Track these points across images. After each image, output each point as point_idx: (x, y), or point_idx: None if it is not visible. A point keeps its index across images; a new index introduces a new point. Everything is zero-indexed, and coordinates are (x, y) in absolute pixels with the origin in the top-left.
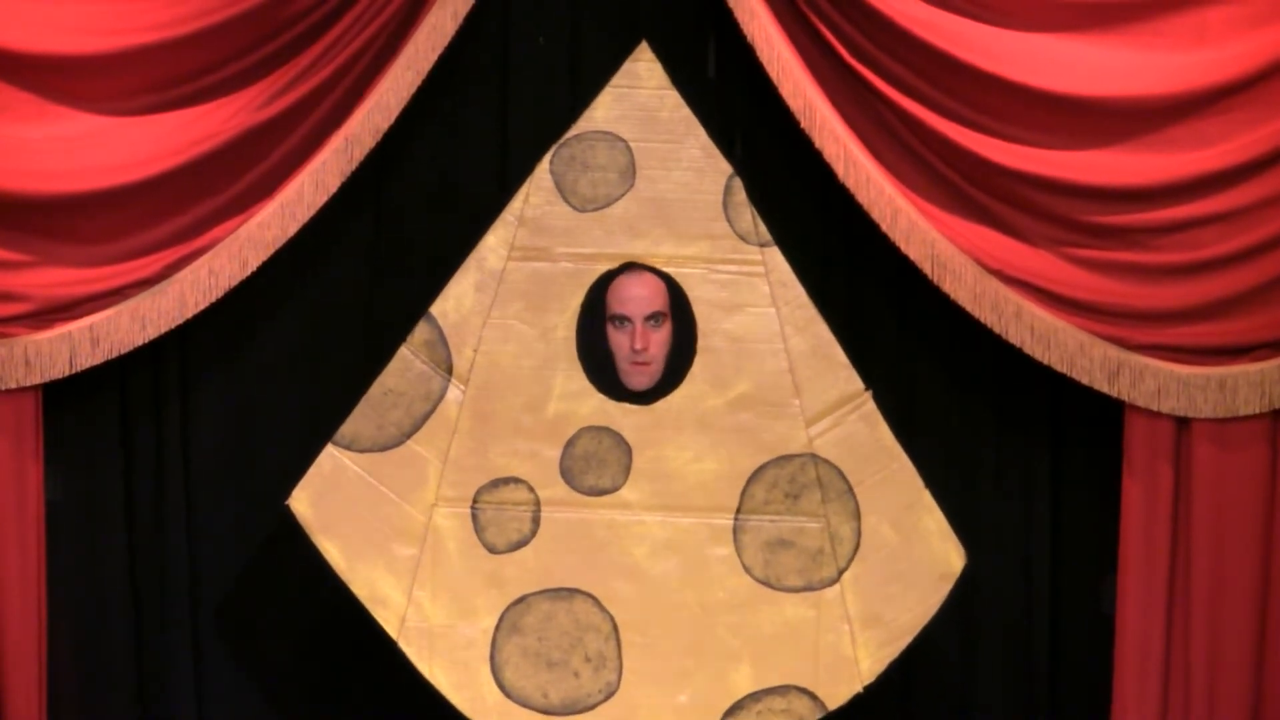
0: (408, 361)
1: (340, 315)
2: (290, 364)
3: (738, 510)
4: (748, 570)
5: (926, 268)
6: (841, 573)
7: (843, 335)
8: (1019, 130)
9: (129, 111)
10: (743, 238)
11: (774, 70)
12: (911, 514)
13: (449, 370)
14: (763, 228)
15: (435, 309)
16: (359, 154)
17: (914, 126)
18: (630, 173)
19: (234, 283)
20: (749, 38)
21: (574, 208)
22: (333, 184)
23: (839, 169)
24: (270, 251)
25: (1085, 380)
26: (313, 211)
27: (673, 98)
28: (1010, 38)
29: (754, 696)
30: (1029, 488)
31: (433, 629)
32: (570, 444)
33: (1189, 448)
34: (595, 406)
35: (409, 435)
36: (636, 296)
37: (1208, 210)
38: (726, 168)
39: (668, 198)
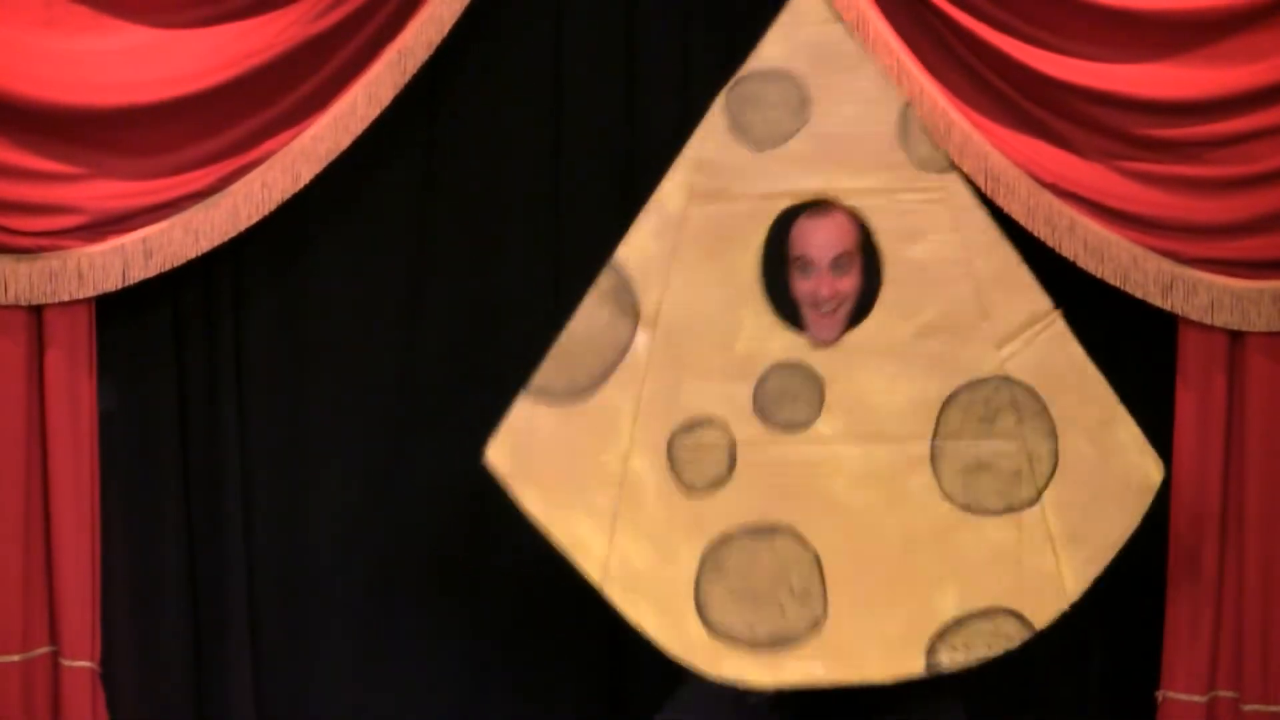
0: (594, 310)
1: (392, 231)
2: (341, 278)
3: (934, 437)
4: (948, 496)
5: (980, 181)
6: (1041, 492)
7: None
8: (1073, 44)
9: (182, 24)
10: (920, 166)
11: None
12: (1107, 429)
13: (636, 316)
14: (941, 153)
15: (618, 256)
16: (412, 67)
17: (968, 40)
18: (804, 109)
19: (286, 196)
20: None
21: (750, 148)
22: (386, 96)
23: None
24: (323, 165)
25: (1139, 294)
26: (365, 124)
27: (838, 30)
28: None
29: (960, 621)
30: None
31: (636, 573)
32: (762, 381)
33: (1243, 361)
34: (784, 342)
35: (600, 383)
36: (822, 241)
37: (1262, 123)
38: (900, 97)
39: (843, 132)
